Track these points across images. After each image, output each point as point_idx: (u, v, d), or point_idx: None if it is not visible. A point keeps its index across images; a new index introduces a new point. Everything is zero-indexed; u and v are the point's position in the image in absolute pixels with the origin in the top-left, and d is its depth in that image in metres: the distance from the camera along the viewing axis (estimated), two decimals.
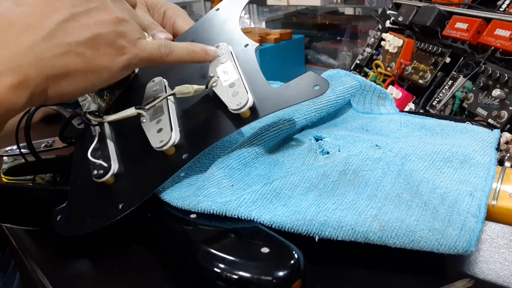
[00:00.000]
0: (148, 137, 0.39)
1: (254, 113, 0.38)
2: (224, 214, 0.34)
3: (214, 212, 0.34)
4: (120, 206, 0.37)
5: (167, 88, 0.43)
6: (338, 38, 2.13)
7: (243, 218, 0.34)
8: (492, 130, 0.41)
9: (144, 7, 0.50)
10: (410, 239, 0.30)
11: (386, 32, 1.05)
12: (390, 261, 0.35)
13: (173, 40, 0.48)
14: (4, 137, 0.56)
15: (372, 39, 1.12)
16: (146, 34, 0.39)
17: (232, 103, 0.37)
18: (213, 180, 0.37)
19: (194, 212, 0.35)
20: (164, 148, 0.38)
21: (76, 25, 0.31)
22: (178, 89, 0.40)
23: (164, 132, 0.39)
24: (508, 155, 0.47)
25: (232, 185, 0.37)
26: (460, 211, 0.30)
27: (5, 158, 0.52)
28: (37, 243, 0.44)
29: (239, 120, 0.38)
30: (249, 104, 0.37)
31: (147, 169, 0.39)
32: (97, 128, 0.43)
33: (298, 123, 0.43)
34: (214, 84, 0.40)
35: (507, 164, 0.44)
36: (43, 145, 0.54)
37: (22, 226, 0.46)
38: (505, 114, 0.65)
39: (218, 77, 0.40)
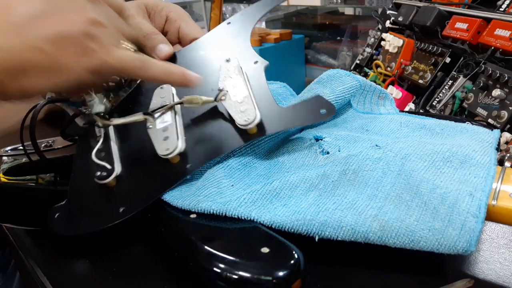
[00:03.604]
0: (154, 144, 0.39)
1: (261, 129, 0.39)
2: (224, 214, 0.34)
3: (214, 212, 0.34)
4: (121, 210, 0.37)
5: (175, 96, 0.43)
6: (338, 38, 2.13)
7: (243, 218, 0.34)
8: (492, 130, 0.41)
9: (144, 12, 0.49)
10: (410, 239, 0.30)
11: (386, 32, 1.05)
12: (390, 261, 0.35)
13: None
14: (4, 137, 0.56)
15: (372, 39, 1.12)
16: (129, 45, 0.37)
17: (240, 119, 0.38)
18: (213, 180, 0.37)
19: (194, 212, 0.35)
20: (170, 156, 0.38)
21: (44, 21, 0.30)
22: (187, 98, 0.40)
23: (170, 140, 0.39)
24: (508, 155, 0.47)
25: (232, 185, 0.37)
26: (460, 211, 0.30)
27: (5, 158, 0.52)
28: (37, 243, 0.44)
29: (245, 135, 0.39)
30: (257, 121, 0.38)
31: (150, 175, 0.39)
32: (102, 129, 0.43)
33: None
34: (223, 98, 0.40)
35: (507, 164, 0.44)
36: (43, 145, 0.54)
37: (22, 226, 0.46)
38: (505, 114, 0.65)
39: (227, 91, 0.40)
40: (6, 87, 0.29)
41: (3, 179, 0.45)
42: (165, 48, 0.46)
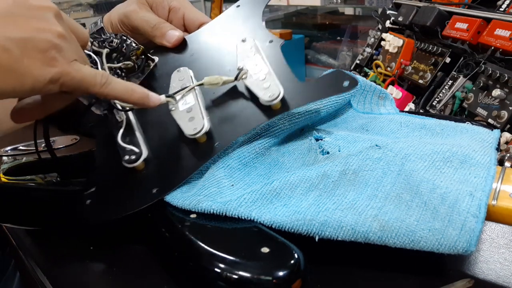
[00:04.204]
0: (180, 125, 0.40)
1: (284, 105, 0.39)
2: (224, 214, 0.34)
3: (214, 212, 0.34)
4: (154, 191, 0.37)
5: (193, 78, 0.44)
6: (338, 38, 2.13)
7: (243, 218, 0.34)
8: (492, 130, 0.41)
9: (146, 6, 0.50)
10: (410, 239, 0.30)
11: (386, 32, 1.04)
12: (390, 261, 0.35)
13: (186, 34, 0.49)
14: (4, 137, 0.56)
15: (372, 39, 1.11)
16: (86, 63, 0.37)
17: (264, 95, 0.38)
18: (213, 180, 0.37)
19: (194, 212, 0.35)
20: (198, 135, 0.39)
21: (10, 23, 0.30)
22: (207, 79, 0.41)
23: (196, 120, 0.39)
24: (508, 155, 0.47)
25: (232, 185, 0.37)
26: (460, 211, 0.30)
27: (5, 158, 0.52)
28: (37, 243, 0.44)
29: (269, 111, 0.39)
30: (281, 96, 0.38)
31: (179, 155, 0.40)
32: (123, 115, 0.43)
33: (298, 123, 0.43)
34: (244, 77, 0.40)
35: (507, 164, 0.44)
36: (43, 145, 0.54)
37: (22, 226, 0.46)
38: (505, 114, 0.65)
39: (247, 69, 0.41)
40: None
41: (3, 179, 0.45)
42: (175, 33, 0.47)
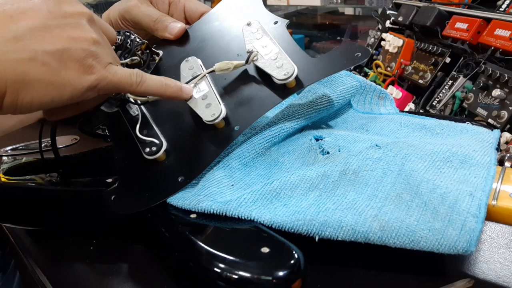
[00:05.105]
0: (198, 112, 0.40)
1: (298, 82, 0.39)
2: (224, 214, 0.34)
3: (214, 211, 0.34)
4: (180, 179, 0.38)
5: (202, 66, 0.44)
6: (338, 38, 2.13)
7: (243, 218, 0.34)
8: (492, 130, 0.41)
9: (147, 1, 0.50)
10: (410, 239, 0.30)
11: (386, 32, 1.04)
12: (390, 261, 0.35)
13: (188, 26, 0.49)
14: (4, 137, 0.56)
15: (372, 39, 1.11)
16: (118, 63, 0.37)
17: (279, 74, 0.39)
18: (213, 179, 0.37)
19: (194, 212, 0.35)
20: (216, 121, 0.39)
21: (46, 35, 0.30)
22: (218, 65, 0.41)
23: (213, 106, 0.40)
24: (508, 155, 0.47)
25: (232, 185, 0.37)
26: (460, 211, 0.30)
27: (4, 158, 0.52)
28: (37, 243, 0.44)
29: (284, 90, 0.40)
30: (296, 73, 0.39)
31: (199, 143, 0.40)
32: (137, 109, 0.44)
33: (298, 123, 0.43)
34: (255, 59, 0.41)
35: (507, 164, 0.44)
36: (43, 144, 0.54)
37: (22, 226, 0.46)
38: (505, 114, 0.65)
39: (257, 51, 0.41)
40: (4, 101, 0.29)
41: (3, 179, 0.45)
42: (177, 25, 0.47)
